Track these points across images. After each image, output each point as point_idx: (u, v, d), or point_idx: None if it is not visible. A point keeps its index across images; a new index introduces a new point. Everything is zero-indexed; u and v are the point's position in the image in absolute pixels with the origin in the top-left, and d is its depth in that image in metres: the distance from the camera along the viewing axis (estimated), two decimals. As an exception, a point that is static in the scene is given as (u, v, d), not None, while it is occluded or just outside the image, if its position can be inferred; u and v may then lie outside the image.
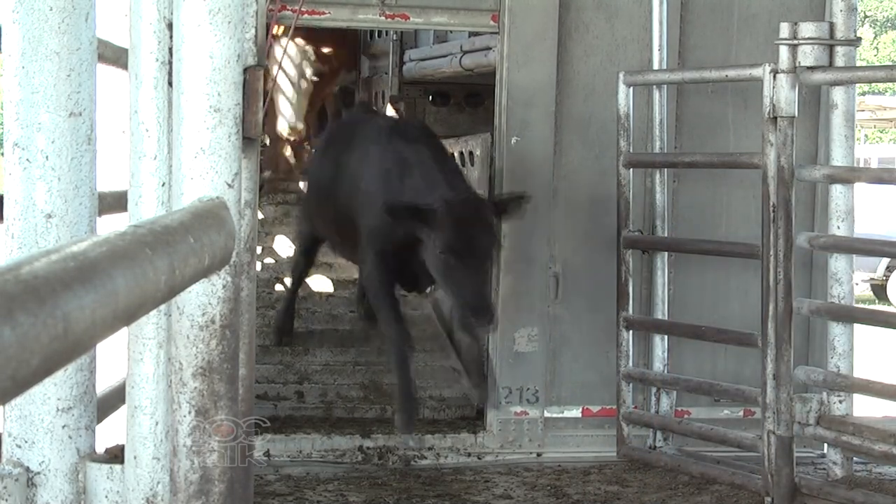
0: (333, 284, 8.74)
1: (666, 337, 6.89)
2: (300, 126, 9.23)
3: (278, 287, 8.67)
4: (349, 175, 6.66)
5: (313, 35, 9.00)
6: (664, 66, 6.78)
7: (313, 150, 8.34)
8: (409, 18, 6.92)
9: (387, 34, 10.11)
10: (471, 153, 8.15)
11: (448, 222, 5.78)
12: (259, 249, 8.33)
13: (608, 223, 6.82)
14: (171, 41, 2.89)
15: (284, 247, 9.17)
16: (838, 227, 6.28)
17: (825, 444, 6.48)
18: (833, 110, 6.37)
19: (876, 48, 40.05)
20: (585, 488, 6.43)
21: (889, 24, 42.03)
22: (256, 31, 3.27)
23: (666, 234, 6.84)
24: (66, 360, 1.69)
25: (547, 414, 7.03)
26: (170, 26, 2.90)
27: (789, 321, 5.95)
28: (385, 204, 5.97)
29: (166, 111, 2.94)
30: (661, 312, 6.87)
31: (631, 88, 6.63)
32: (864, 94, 23.26)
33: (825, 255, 6.45)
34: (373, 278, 6.46)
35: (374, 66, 10.47)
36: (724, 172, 6.93)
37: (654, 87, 6.78)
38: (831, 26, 6.04)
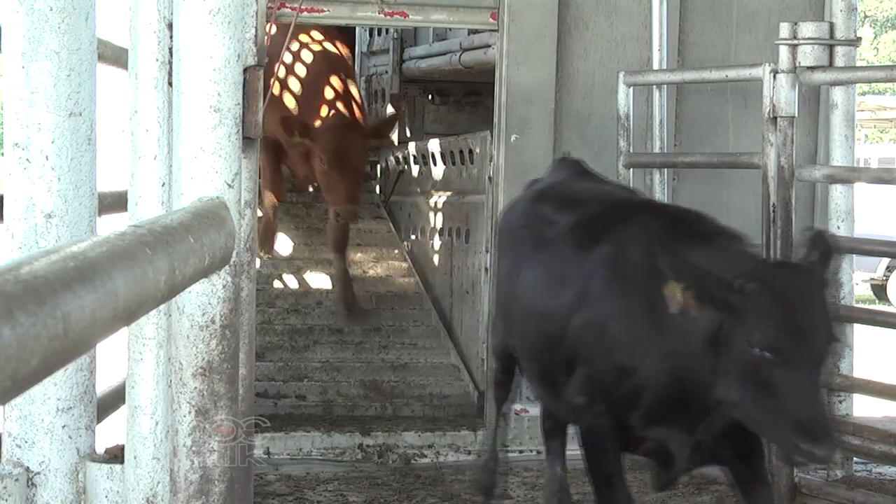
0: (332, 281, 8.74)
1: (666, 336, 6.88)
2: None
3: (277, 284, 8.68)
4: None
5: None
6: (664, 66, 6.78)
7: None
8: (408, 16, 6.91)
9: (386, 32, 10.12)
10: (470, 151, 8.15)
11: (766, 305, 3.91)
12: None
13: (608, 222, 6.81)
14: (171, 41, 2.89)
15: (284, 245, 9.17)
16: (838, 227, 6.28)
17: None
18: (833, 110, 6.37)
19: (876, 48, 40.01)
20: (585, 488, 6.42)
21: (889, 24, 42.01)
22: (256, 31, 3.27)
23: (666, 234, 6.83)
24: (66, 360, 1.68)
25: (547, 412, 7.02)
26: (170, 26, 2.90)
27: (789, 321, 5.93)
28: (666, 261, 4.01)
29: (166, 111, 2.93)
30: (661, 312, 6.86)
31: (631, 88, 6.63)
32: (864, 94, 23.24)
33: (825, 255, 6.43)
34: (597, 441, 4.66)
35: (374, 65, 10.47)
36: (724, 172, 6.92)
37: (654, 86, 6.78)
38: (831, 26, 6.04)
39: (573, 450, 7.02)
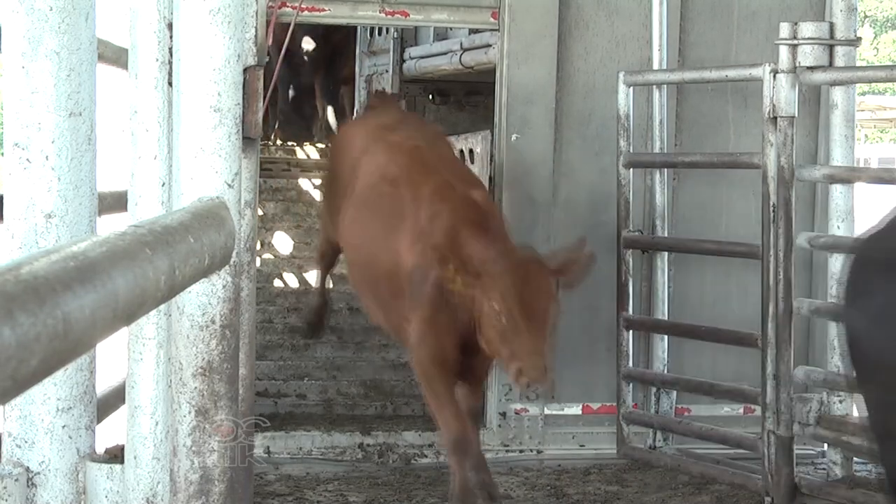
0: (332, 280, 8.75)
1: (666, 337, 6.89)
2: None
3: (277, 283, 8.69)
4: None
5: None
6: (664, 66, 6.77)
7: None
8: (408, 15, 6.91)
9: (387, 31, 10.12)
10: (471, 151, 8.15)
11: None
12: (259, 245, 8.32)
13: (608, 221, 6.81)
14: (171, 41, 2.89)
15: (284, 243, 9.18)
16: (838, 227, 6.27)
17: (825, 444, 6.48)
18: (833, 110, 6.36)
19: (876, 48, 40.01)
20: (585, 488, 6.43)
21: (889, 24, 42.00)
22: (256, 31, 3.27)
23: (666, 234, 6.83)
24: (66, 360, 1.69)
25: (547, 411, 7.03)
26: (170, 26, 2.90)
27: (789, 321, 5.94)
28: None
29: (166, 111, 2.94)
30: (661, 312, 6.86)
31: (631, 88, 6.63)
32: (864, 94, 23.23)
33: (825, 255, 6.44)
34: None
35: (374, 64, 10.47)
36: (724, 172, 6.92)
37: (654, 86, 6.78)
38: (831, 26, 6.03)
39: (569, 448, 7.04)
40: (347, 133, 6.90)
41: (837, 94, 6.34)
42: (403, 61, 9.91)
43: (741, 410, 7.04)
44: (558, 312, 5.60)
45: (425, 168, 6.06)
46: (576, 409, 7.07)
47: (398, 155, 6.17)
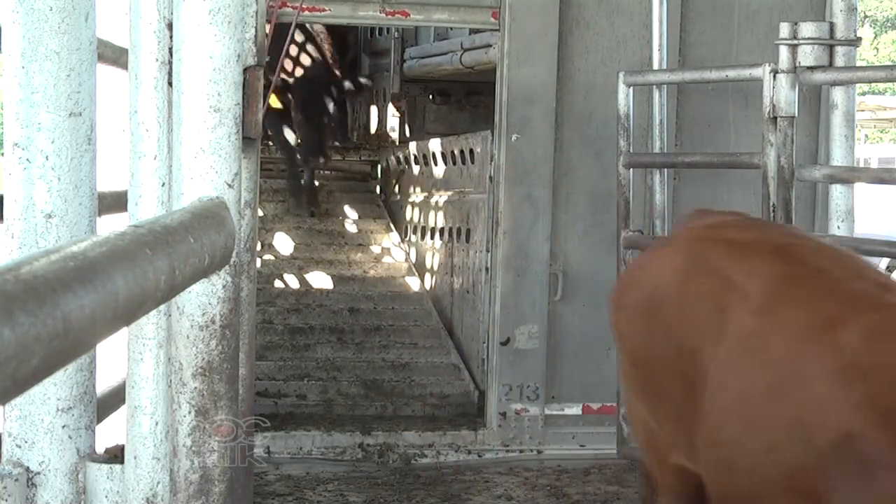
0: (333, 280, 8.75)
1: (666, 336, 6.88)
2: None
3: (278, 283, 8.69)
4: None
5: None
6: (664, 65, 6.77)
7: None
8: (409, 15, 6.91)
9: (387, 31, 10.12)
10: (471, 150, 8.15)
11: None
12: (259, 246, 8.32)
13: (609, 220, 6.82)
14: (171, 41, 2.89)
15: (284, 244, 9.18)
16: (838, 227, 6.28)
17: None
18: (833, 110, 6.36)
19: (876, 48, 40.00)
20: (585, 488, 6.43)
21: (889, 24, 42.00)
22: (256, 31, 3.27)
23: (666, 234, 6.83)
24: (66, 360, 1.69)
25: (547, 411, 7.03)
26: (170, 26, 2.90)
27: (789, 321, 5.93)
28: None
29: (166, 111, 2.94)
30: (662, 311, 6.85)
31: (631, 88, 6.63)
32: (864, 94, 23.22)
33: (825, 255, 6.44)
34: None
35: (375, 64, 10.48)
36: (724, 172, 6.92)
37: (655, 86, 6.77)
38: (831, 26, 6.03)
39: (569, 448, 7.04)
40: (639, 272, 4.35)
41: (837, 94, 6.34)
42: (404, 61, 9.92)
43: (741, 410, 7.04)
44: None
45: (816, 273, 3.48)
46: (576, 409, 7.08)
47: (756, 261, 3.57)
